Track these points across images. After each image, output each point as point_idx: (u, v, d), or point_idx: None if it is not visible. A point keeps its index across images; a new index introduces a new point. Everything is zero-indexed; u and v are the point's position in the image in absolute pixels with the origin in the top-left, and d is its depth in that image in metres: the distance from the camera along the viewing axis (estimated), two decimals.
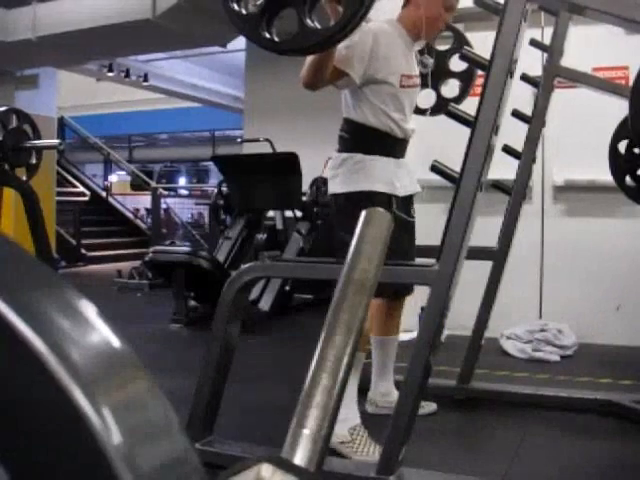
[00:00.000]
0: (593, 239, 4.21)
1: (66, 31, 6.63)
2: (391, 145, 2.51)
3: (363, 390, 2.79)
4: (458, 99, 3.01)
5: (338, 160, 2.50)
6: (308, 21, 1.74)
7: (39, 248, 4.36)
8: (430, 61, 2.97)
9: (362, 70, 2.37)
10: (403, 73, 2.49)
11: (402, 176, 2.53)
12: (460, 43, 3.03)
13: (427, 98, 2.93)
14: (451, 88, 3.09)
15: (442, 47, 3.09)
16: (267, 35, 1.83)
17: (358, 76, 2.37)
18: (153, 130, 16.28)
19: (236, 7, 1.84)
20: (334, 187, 2.51)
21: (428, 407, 2.78)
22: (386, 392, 2.78)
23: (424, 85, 2.80)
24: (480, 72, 2.55)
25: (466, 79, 3.05)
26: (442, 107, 2.99)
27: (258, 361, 3.77)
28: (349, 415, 2.38)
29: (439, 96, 3.09)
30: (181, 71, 10.90)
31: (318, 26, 1.77)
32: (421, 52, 2.82)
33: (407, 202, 2.59)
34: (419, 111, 2.91)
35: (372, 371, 2.81)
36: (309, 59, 2.21)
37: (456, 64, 3.03)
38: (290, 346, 4.18)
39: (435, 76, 3.04)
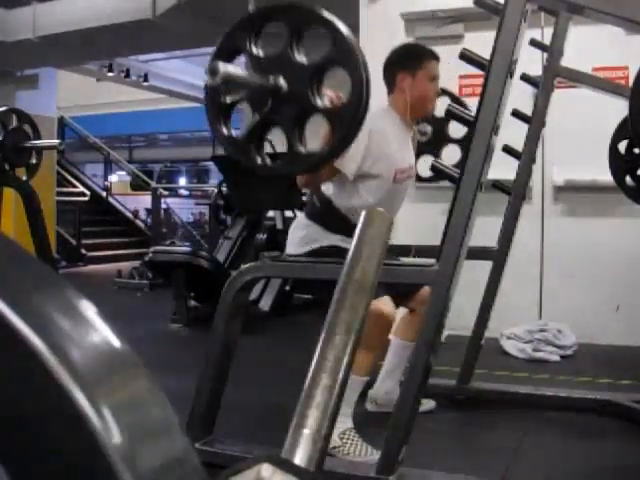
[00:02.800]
0: (593, 239, 4.21)
1: (66, 31, 6.63)
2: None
3: (364, 388, 2.80)
4: (459, 165, 3.02)
5: (302, 223, 2.56)
6: (299, 146, 1.76)
7: (39, 248, 4.37)
8: (428, 129, 3.00)
9: (356, 168, 2.40)
10: (398, 168, 2.52)
11: None
12: (458, 103, 3.02)
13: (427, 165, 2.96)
14: (451, 154, 3.10)
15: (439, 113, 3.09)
16: (258, 159, 1.85)
17: (352, 174, 2.41)
18: (153, 130, 16.28)
19: (225, 131, 1.86)
20: (293, 248, 2.56)
21: (427, 404, 2.78)
22: (389, 391, 2.78)
23: (423, 152, 2.84)
24: (477, 72, 2.55)
25: (465, 145, 3.05)
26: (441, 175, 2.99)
27: (258, 361, 3.77)
28: (340, 419, 2.38)
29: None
30: (181, 71, 10.89)
31: (309, 150, 1.79)
32: (419, 121, 2.85)
33: None
34: (417, 178, 2.96)
35: (381, 370, 2.80)
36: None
37: (455, 130, 3.02)
38: (290, 346, 4.18)
39: (434, 143, 3.06)
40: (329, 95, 1.92)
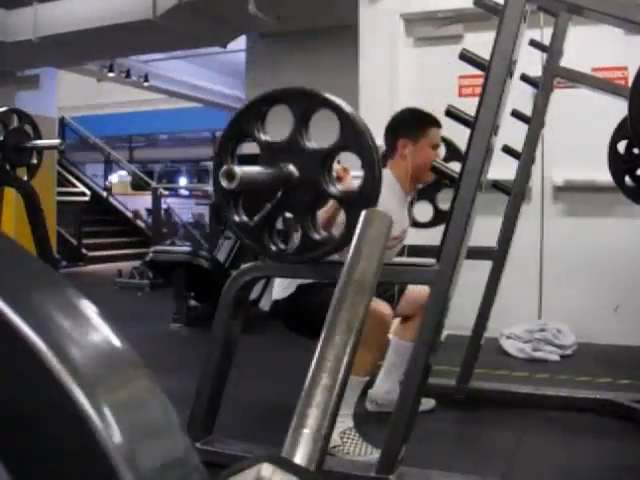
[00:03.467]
0: (592, 239, 4.21)
1: (67, 31, 6.63)
2: None
3: (363, 388, 2.80)
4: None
5: (286, 282, 2.55)
6: (313, 232, 1.77)
7: (40, 248, 4.36)
8: None
9: None
10: (392, 236, 2.51)
11: None
12: (452, 153, 3.03)
13: (424, 211, 2.97)
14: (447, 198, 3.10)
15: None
16: (273, 247, 1.86)
17: None
18: (154, 130, 16.27)
19: (237, 219, 1.87)
20: (278, 294, 2.56)
21: (427, 404, 2.78)
22: (389, 390, 2.78)
23: (421, 197, 2.85)
24: (477, 72, 2.55)
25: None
26: (440, 219, 2.99)
27: (258, 361, 3.77)
28: (340, 419, 2.38)
29: (436, 208, 3.11)
30: (181, 71, 10.89)
31: (322, 236, 1.79)
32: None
33: None
34: (414, 224, 2.98)
35: (380, 370, 2.81)
36: (325, 214, 2.18)
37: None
38: (290, 346, 4.17)
39: (431, 188, 3.06)
40: (336, 170, 1.93)
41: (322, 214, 2.04)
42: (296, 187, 1.79)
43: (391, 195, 2.54)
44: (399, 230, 2.61)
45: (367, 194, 1.76)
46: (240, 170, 1.68)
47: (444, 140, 3.02)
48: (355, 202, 1.78)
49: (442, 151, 2.98)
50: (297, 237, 1.91)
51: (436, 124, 2.63)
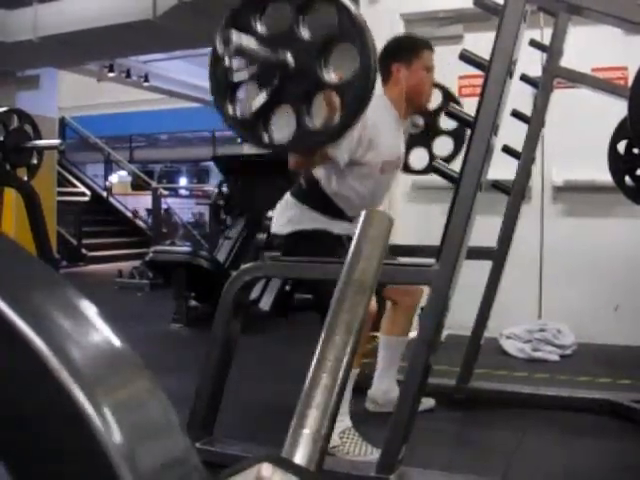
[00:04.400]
0: (592, 239, 4.21)
1: (67, 32, 6.63)
2: (343, 215, 2.55)
3: (363, 388, 2.80)
4: (450, 157, 3.03)
5: (288, 203, 2.56)
6: (307, 122, 1.75)
7: (40, 248, 4.36)
8: (420, 121, 3.01)
9: (348, 156, 2.40)
10: (385, 159, 2.53)
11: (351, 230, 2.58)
12: (448, 101, 3.03)
13: (419, 157, 2.97)
14: (442, 146, 3.11)
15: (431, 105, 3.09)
16: (266, 138, 1.84)
17: (344, 162, 2.41)
18: (154, 130, 16.26)
19: (231, 111, 1.85)
20: (277, 228, 2.57)
21: (426, 404, 2.78)
22: (387, 390, 2.78)
23: (416, 144, 2.83)
24: (477, 72, 2.55)
25: (457, 137, 3.06)
26: (433, 167, 3.00)
27: (258, 361, 3.77)
28: (338, 419, 2.38)
29: (431, 155, 3.10)
30: (181, 71, 10.89)
31: (317, 126, 1.77)
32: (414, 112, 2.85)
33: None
34: (409, 170, 2.99)
35: (376, 369, 2.81)
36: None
37: (446, 122, 3.03)
38: (290, 346, 4.18)
39: (426, 135, 3.06)
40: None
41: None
42: (292, 76, 1.77)
43: (387, 119, 2.55)
44: (394, 156, 2.60)
45: (363, 83, 1.74)
46: (238, 36, 1.66)
47: (439, 86, 3.03)
48: (350, 91, 1.75)
49: (438, 97, 2.99)
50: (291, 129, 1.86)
51: (428, 47, 2.62)
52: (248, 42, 1.72)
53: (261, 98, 1.82)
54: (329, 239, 2.47)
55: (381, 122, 2.49)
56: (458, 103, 3.02)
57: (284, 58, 1.77)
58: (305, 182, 2.56)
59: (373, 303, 2.40)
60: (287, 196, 2.60)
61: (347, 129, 1.81)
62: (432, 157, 3.10)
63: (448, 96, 3.09)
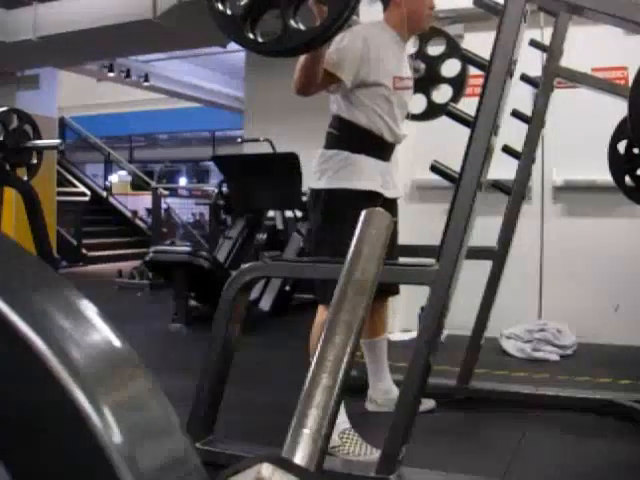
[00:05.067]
0: (592, 239, 4.21)
1: (67, 31, 6.63)
2: (380, 147, 2.50)
3: (363, 388, 2.80)
4: (448, 104, 3.01)
5: (324, 157, 2.47)
6: (292, 22, 1.74)
7: (40, 248, 4.37)
8: (422, 66, 2.99)
9: (353, 73, 2.36)
10: (395, 75, 2.50)
11: (389, 178, 2.54)
12: (451, 49, 3.03)
13: (418, 103, 2.94)
14: (442, 93, 3.09)
15: (434, 52, 3.09)
16: (251, 36, 1.82)
17: (349, 80, 2.36)
18: (153, 130, 16.28)
19: (220, 7, 1.83)
20: (317, 183, 2.47)
21: (427, 404, 2.78)
22: (386, 390, 2.78)
23: (415, 90, 2.81)
24: (476, 72, 2.55)
25: (458, 85, 3.04)
26: (433, 112, 3.00)
27: (258, 361, 3.77)
28: (337, 420, 2.37)
29: (430, 102, 3.10)
30: (181, 71, 10.89)
31: (302, 27, 1.76)
32: (413, 57, 2.82)
33: (391, 204, 2.57)
34: (409, 116, 2.93)
35: (367, 373, 2.81)
36: (299, 65, 2.20)
37: (448, 69, 3.02)
38: (290, 346, 4.18)
39: (426, 81, 3.05)
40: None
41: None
42: None
43: (387, 37, 2.51)
44: (404, 73, 2.56)
45: None
46: None
47: (443, 34, 3.02)
48: None
49: (441, 46, 2.98)
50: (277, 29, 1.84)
51: None
52: None
53: None
54: (363, 197, 2.37)
55: (383, 40, 2.47)
56: (460, 51, 2.97)
57: None
58: (335, 127, 2.49)
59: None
60: (321, 151, 2.50)
61: (333, 31, 1.77)
62: (431, 103, 3.08)
63: (452, 45, 3.07)
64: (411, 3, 2.52)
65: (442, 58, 3.03)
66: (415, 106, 3.03)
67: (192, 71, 11.04)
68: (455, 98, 3.02)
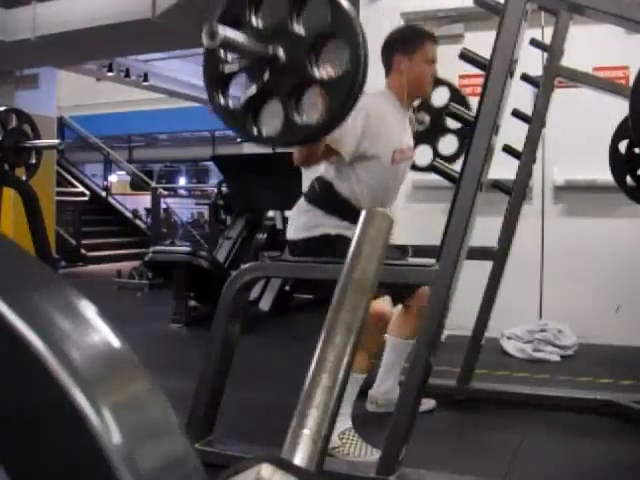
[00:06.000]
0: (593, 239, 4.21)
1: (66, 31, 6.62)
2: (356, 214, 2.51)
3: (363, 388, 2.79)
4: (455, 156, 3.02)
5: (303, 208, 2.54)
6: (295, 116, 1.75)
7: (39, 248, 4.37)
8: (426, 118, 3.00)
9: (353, 149, 2.39)
10: (396, 148, 2.52)
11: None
12: (455, 99, 3.02)
13: (424, 155, 2.96)
14: (447, 144, 3.10)
15: (437, 102, 3.07)
16: (254, 130, 1.84)
17: (349, 155, 2.40)
18: (153, 130, 16.27)
19: (222, 102, 1.85)
20: (293, 233, 2.55)
21: (427, 404, 2.78)
22: (388, 390, 2.78)
23: (420, 141, 2.83)
24: (477, 72, 2.54)
25: (462, 135, 3.04)
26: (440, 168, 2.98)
27: (258, 361, 3.77)
28: (338, 420, 2.38)
29: (435, 152, 3.10)
30: (181, 71, 10.89)
31: (305, 120, 1.78)
32: (417, 109, 2.83)
33: None
34: (415, 167, 2.95)
35: (379, 370, 2.81)
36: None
37: (452, 121, 3.02)
38: (290, 346, 4.18)
39: (432, 133, 3.05)
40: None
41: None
42: (282, 70, 1.78)
43: (390, 106, 2.53)
44: (405, 145, 2.58)
45: (351, 79, 1.74)
46: (223, 29, 1.66)
47: (446, 84, 3.02)
48: (340, 87, 1.76)
49: (445, 94, 2.98)
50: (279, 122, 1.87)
51: (431, 39, 2.61)
52: (234, 35, 1.72)
53: (251, 90, 1.82)
54: (340, 241, 2.43)
55: (386, 113, 2.48)
56: (465, 101, 3.00)
57: (275, 52, 1.77)
58: (318, 185, 2.54)
59: (388, 307, 2.38)
60: (302, 201, 2.58)
61: (334, 124, 1.80)
62: (436, 155, 3.09)
63: (455, 93, 3.08)
64: (413, 72, 2.54)
65: (445, 109, 3.01)
66: (421, 157, 3.05)
67: (192, 71, 11.03)
68: (460, 148, 3.02)
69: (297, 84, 1.78)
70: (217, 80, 1.86)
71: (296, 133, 1.81)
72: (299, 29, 1.77)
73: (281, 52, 1.77)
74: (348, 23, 1.74)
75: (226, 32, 1.67)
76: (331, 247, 2.43)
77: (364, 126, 2.37)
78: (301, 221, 2.53)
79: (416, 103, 2.81)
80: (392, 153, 2.50)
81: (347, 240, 2.36)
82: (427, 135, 3.07)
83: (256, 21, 1.81)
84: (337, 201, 2.50)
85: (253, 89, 1.82)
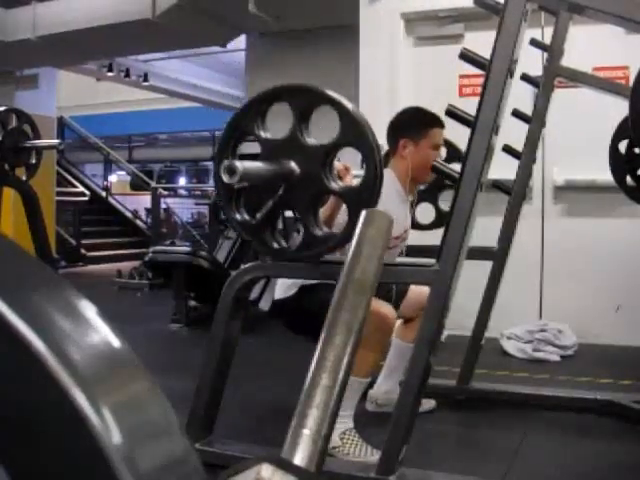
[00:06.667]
0: (593, 239, 4.21)
1: (66, 31, 6.63)
2: None
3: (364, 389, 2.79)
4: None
5: (288, 283, 2.52)
6: (314, 228, 1.76)
7: (39, 248, 4.37)
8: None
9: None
10: (393, 236, 2.53)
11: None
12: (454, 156, 3.00)
13: (427, 211, 2.97)
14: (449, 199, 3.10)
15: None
16: (275, 244, 1.85)
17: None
18: (153, 130, 16.26)
19: (238, 216, 1.86)
20: (281, 293, 2.54)
21: (427, 404, 2.78)
22: (389, 390, 2.78)
23: (422, 199, 2.85)
24: (477, 72, 2.54)
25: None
26: (441, 221, 2.96)
27: (258, 361, 3.77)
28: (340, 419, 2.38)
29: (438, 210, 3.10)
30: (181, 71, 10.89)
31: (325, 232, 1.77)
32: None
33: None
34: (416, 226, 2.96)
35: (382, 371, 2.81)
36: (328, 210, 2.15)
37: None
38: (290, 346, 4.18)
39: (433, 190, 3.05)
40: (337, 168, 1.92)
41: (323, 212, 2.03)
42: (297, 183, 1.79)
43: (392, 193, 2.53)
44: (400, 230, 2.60)
45: (368, 190, 1.76)
46: (241, 165, 1.67)
47: (445, 142, 3.01)
48: (356, 198, 1.77)
49: (443, 152, 2.97)
50: (298, 236, 1.90)
51: (439, 124, 2.62)
52: (251, 166, 1.74)
53: (267, 206, 1.83)
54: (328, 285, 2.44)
55: (387, 200, 2.47)
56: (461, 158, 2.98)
57: (288, 166, 1.78)
58: None
59: (392, 312, 2.38)
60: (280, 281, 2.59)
61: (352, 236, 1.81)
62: (439, 212, 3.10)
63: (456, 153, 3.03)
64: (417, 157, 2.56)
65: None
66: (424, 215, 3.05)
67: (192, 71, 11.04)
68: None
69: (314, 196, 1.79)
70: (231, 195, 1.88)
71: (316, 246, 1.82)
72: (311, 140, 1.78)
73: (294, 166, 1.78)
74: (361, 132, 1.75)
75: (244, 166, 1.69)
76: (316, 290, 2.42)
77: None
78: (289, 281, 2.52)
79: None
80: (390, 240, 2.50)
81: (327, 284, 2.29)
82: (428, 193, 3.07)
83: (265, 134, 1.83)
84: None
85: (269, 204, 1.83)
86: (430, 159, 2.54)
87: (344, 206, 1.93)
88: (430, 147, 2.59)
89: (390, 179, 2.54)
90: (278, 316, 2.64)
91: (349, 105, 1.80)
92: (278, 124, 1.96)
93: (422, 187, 3.00)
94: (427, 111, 2.68)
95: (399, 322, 2.77)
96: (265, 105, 1.91)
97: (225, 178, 1.68)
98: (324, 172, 1.76)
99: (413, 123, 2.63)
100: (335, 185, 1.78)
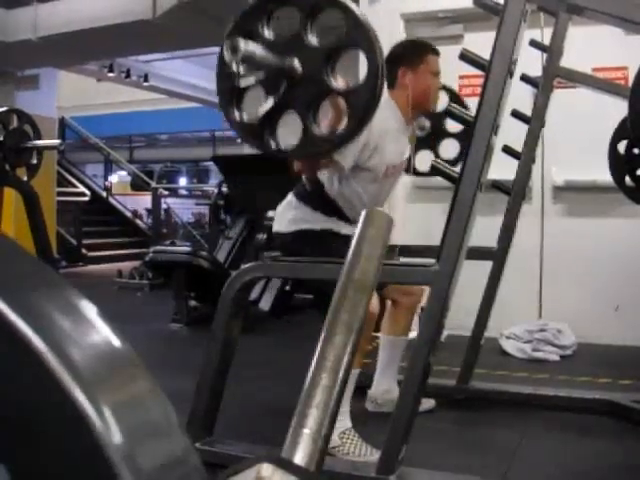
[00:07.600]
0: (593, 239, 4.21)
1: (67, 31, 6.63)
2: (340, 214, 2.56)
3: (364, 388, 2.79)
4: (457, 159, 3.01)
5: (291, 204, 2.56)
6: (314, 127, 1.75)
7: (40, 248, 4.37)
8: (427, 123, 3.01)
9: (352, 161, 2.41)
10: (390, 164, 2.54)
11: (342, 223, 2.57)
12: (453, 101, 3.01)
13: (425, 159, 2.97)
14: (448, 148, 3.10)
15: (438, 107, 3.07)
16: (272, 144, 1.84)
17: (348, 166, 2.41)
18: (153, 130, 16.27)
19: (237, 117, 1.84)
20: (281, 227, 2.57)
21: (426, 404, 2.78)
22: (387, 390, 2.78)
23: (421, 147, 2.81)
24: (477, 72, 2.55)
25: (463, 139, 3.03)
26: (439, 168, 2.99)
27: (258, 361, 3.77)
28: (338, 419, 2.37)
29: (437, 157, 3.10)
30: (181, 71, 10.89)
31: (324, 132, 1.76)
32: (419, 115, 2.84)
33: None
34: (415, 172, 2.95)
35: (376, 369, 2.81)
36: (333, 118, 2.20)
37: (452, 124, 3.02)
38: (290, 346, 4.18)
39: (432, 137, 3.05)
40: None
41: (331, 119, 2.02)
42: (299, 83, 1.77)
43: (392, 121, 2.54)
44: (399, 160, 2.61)
45: (369, 90, 1.73)
46: (246, 44, 1.66)
47: (446, 88, 3.02)
48: (357, 98, 1.75)
49: (445, 99, 2.98)
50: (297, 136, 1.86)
51: (435, 52, 2.62)
52: (255, 49, 1.72)
53: (268, 104, 1.82)
54: (337, 239, 2.47)
55: (387, 128, 2.49)
56: (464, 105, 3.01)
57: (291, 64, 1.76)
58: (309, 184, 2.56)
59: (375, 303, 2.40)
60: (290, 196, 2.60)
61: (354, 136, 1.81)
62: (438, 159, 3.09)
63: (454, 98, 3.08)
64: (418, 84, 2.55)
65: (446, 113, 2.98)
66: (422, 162, 3.05)
67: (192, 71, 11.04)
68: (462, 151, 3.01)
69: (315, 96, 1.77)
70: (232, 94, 1.85)
71: (315, 145, 1.80)
72: (315, 41, 1.76)
73: (297, 64, 1.77)
74: (365, 33, 1.73)
75: (248, 46, 1.67)
76: (315, 240, 2.48)
77: (365, 139, 2.37)
78: (289, 216, 2.56)
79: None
80: (385, 168, 2.52)
81: (330, 233, 2.35)
82: (428, 140, 3.07)
83: (270, 34, 1.81)
84: (324, 201, 2.54)
85: (270, 103, 1.81)
86: (430, 85, 2.58)
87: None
88: (429, 73, 2.58)
89: (391, 109, 2.54)
90: (271, 248, 2.66)
91: (354, 6, 1.78)
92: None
93: (422, 133, 2.99)
94: (420, 39, 2.74)
95: (385, 318, 2.79)
96: (272, 4, 1.86)
97: (227, 56, 1.66)
98: (327, 72, 1.74)
99: (410, 52, 2.63)
100: (336, 85, 1.76)
